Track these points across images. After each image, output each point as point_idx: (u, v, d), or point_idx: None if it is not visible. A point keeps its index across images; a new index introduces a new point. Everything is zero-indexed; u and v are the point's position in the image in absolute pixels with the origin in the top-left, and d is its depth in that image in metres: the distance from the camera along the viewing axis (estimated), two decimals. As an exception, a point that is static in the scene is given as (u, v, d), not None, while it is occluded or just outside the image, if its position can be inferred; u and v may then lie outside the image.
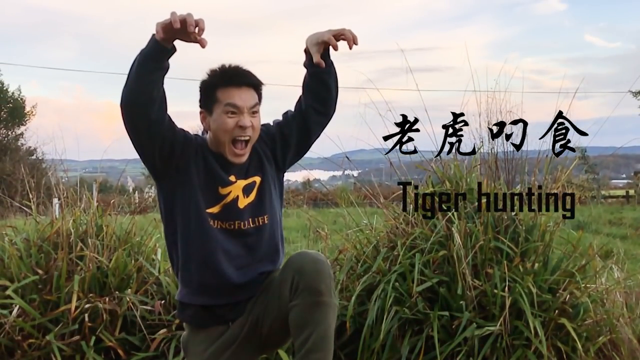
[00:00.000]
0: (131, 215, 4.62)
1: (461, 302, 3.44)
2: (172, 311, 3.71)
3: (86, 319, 3.55)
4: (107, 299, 3.66)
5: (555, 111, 3.95)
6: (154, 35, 1.94)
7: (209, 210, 2.15)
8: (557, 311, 3.58)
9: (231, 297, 2.22)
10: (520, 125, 3.93)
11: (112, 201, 4.33)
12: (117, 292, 3.76)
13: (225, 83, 2.14)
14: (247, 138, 2.15)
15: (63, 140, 4.51)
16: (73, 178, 4.82)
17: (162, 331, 3.61)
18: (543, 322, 3.51)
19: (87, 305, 3.60)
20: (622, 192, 18.42)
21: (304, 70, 2.33)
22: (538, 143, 4.06)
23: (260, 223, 2.23)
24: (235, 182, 2.22)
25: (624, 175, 25.40)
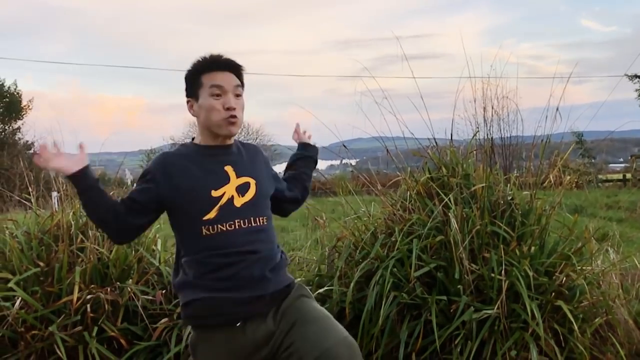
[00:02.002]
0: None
1: (459, 287, 3.48)
2: (173, 300, 3.75)
3: (88, 309, 3.58)
4: (108, 290, 3.70)
5: (551, 96, 3.98)
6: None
7: (205, 218, 2.15)
8: (553, 294, 3.61)
9: (234, 292, 2.15)
10: (517, 110, 3.96)
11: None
12: (118, 283, 3.79)
13: (209, 68, 2.22)
14: (235, 117, 2.22)
15: (61, 134, 4.52)
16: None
17: (163, 320, 3.65)
18: (540, 305, 3.54)
19: (88, 296, 3.63)
20: (619, 176, 18.45)
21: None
22: (534, 128, 4.10)
23: (260, 223, 2.24)
24: (229, 180, 2.23)
25: (621, 159, 25.46)
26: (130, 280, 3.82)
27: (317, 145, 2.80)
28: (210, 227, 2.15)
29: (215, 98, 2.19)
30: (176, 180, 2.18)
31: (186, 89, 2.29)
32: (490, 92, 4.53)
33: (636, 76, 19.96)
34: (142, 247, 4.06)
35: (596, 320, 3.80)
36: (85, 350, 3.56)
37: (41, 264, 3.81)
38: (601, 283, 3.96)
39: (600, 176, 18.50)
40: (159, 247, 4.15)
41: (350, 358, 2.07)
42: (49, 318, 3.65)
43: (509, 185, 4.00)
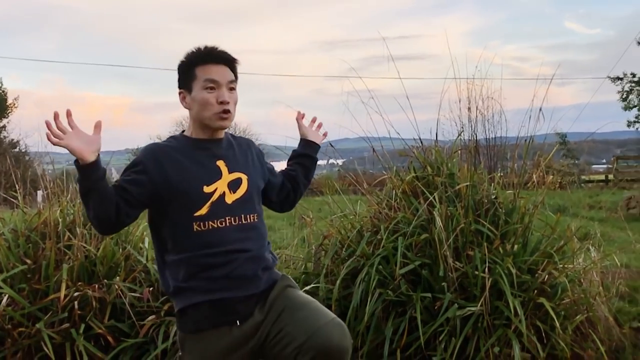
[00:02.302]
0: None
1: (443, 284, 3.53)
2: (160, 298, 3.77)
3: (75, 306, 3.59)
4: (96, 287, 3.71)
5: (534, 97, 4.06)
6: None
7: (197, 214, 2.12)
8: (536, 291, 3.68)
9: (230, 292, 2.15)
10: (502, 111, 4.03)
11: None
12: (105, 280, 3.80)
13: (203, 60, 2.18)
14: (228, 111, 2.19)
15: (40, 133, 4.51)
16: (57, 170, 4.83)
17: (150, 317, 3.66)
18: (522, 302, 3.61)
19: (76, 294, 3.64)
20: (601, 177, 18.69)
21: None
22: (518, 129, 4.17)
23: (251, 220, 2.22)
24: (221, 175, 2.20)
25: (604, 161, 25.76)
26: (118, 277, 3.83)
27: (318, 143, 2.71)
28: (202, 223, 2.12)
29: (209, 91, 2.16)
30: (168, 173, 2.13)
31: (179, 80, 2.25)
32: (475, 93, 4.60)
33: (618, 78, 20.21)
34: (129, 245, 4.07)
35: (577, 317, 3.87)
36: (73, 347, 3.57)
37: (28, 261, 3.81)
38: (582, 281, 4.03)
39: (583, 177, 18.71)
40: (146, 244, 4.17)
41: (340, 336, 2.10)
42: (36, 315, 3.65)
43: (492, 184, 4.07)
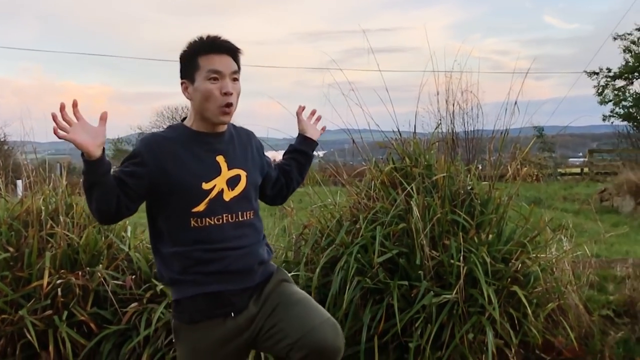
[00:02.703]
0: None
1: (419, 272, 3.63)
2: (143, 286, 3.83)
3: (59, 294, 3.63)
4: (79, 275, 3.75)
5: (512, 91, 4.16)
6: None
7: (194, 210, 2.10)
8: (509, 279, 3.78)
9: (224, 285, 2.15)
10: (480, 104, 4.12)
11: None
12: (88, 268, 3.85)
13: (206, 50, 2.13)
14: (231, 104, 2.15)
15: (26, 122, 4.52)
16: (35, 160, 4.84)
17: (133, 305, 3.71)
18: (496, 290, 3.71)
19: (59, 281, 3.69)
20: (577, 170, 19.00)
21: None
22: (496, 122, 4.27)
23: (247, 218, 2.19)
24: (220, 172, 2.17)
25: (580, 154, 26.10)
26: (100, 265, 3.88)
27: (315, 138, 2.66)
28: (199, 219, 2.10)
29: (212, 82, 2.11)
30: (166, 167, 2.10)
31: (181, 70, 2.19)
32: (453, 86, 4.68)
33: (594, 73, 20.48)
34: (112, 234, 4.12)
35: (549, 305, 4.00)
36: (55, 334, 3.62)
37: (11, 249, 3.84)
38: (554, 270, 4.16)
39: (559, 170, 19.02)
40: (128, 233, 4.21)
41: (334, 336, 2.12)
42: (18, 302, 3.69)
43: (469, 176, 4.16)
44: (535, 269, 3.92)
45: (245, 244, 2.17)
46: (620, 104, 20.37)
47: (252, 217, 2.22)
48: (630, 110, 20.31)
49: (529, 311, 3.73)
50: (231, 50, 2.18)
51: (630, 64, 20.17)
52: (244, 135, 2.33)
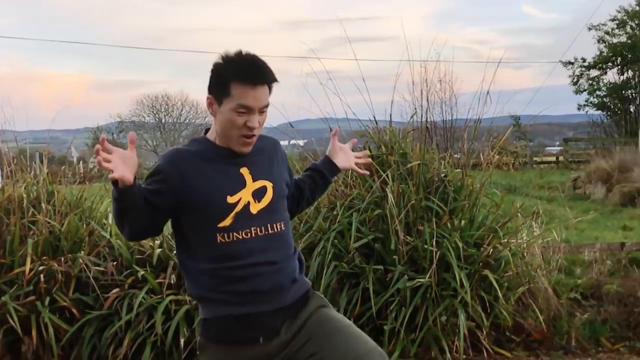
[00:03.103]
0: (79, 184, 4.73)
1: (394, 257, 3.74)
2: (124, 272, 3.90)
3: (41, 280, 3.69)
4: (61, 261, 3.81)
5: (487, 80, 4.27)
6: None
7: (220, 225, 1.98)
8: (481, 264, 3.92)
9: (255, 306, 2.01)
10: (457, 93, 4.22)
11: (62, 167, 4.43)
12: (70, 255, 3.90)
13: (242, 78, 1.97)
14: (254, 136, 2.04)
15: (5, 110, 4.53)
16: (14, 148, 4.86)
17: (114, 290, 3.78)
18: (468, 274, 3.85)
19: (41, 268, 3.74)
20: (553, 158, 19.32)
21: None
22: (473, 111, 4.38)
23: (277, 229, 2.07)
24: (245, 184, 2.05)
25: (557, 143, 26.48)
26: (82, 252, 3.93)
27: (341, 168, 2.48)
28: (226, 234, 1.98)
29: (239, 114, 1.97)
30: (190, 182, 2.00)
31: (211, 85, 2.04)
32: (432, 76, 4.78)
33: (570, 63, 20.78)
34: (93, 221, 4.17)
35: (519, 288, 4.14)
36: (38, 320, 3.67)
37: (-7, 236, 3.88)
38: (525, 254, 4.30)
39: (535, 158, 19.32)
40: (109, 220, 4.26)
41: None
42: (1, 289, 3.74)
43: (443, 163, 4.28)
44: (506, 253, 4.05)
45: (277, 259, 2.04)
46: (595, 94, 20.72)
47: (282, 228, 2.08)
48: (604, 99, 20.66)
49: (500, 294, 3.86)
50: (268, 81, 2.02)
51: (604, 54, 20.49)
52: (270, 146, 2.20)
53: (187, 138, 31.72)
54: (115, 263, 3.92)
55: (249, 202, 2.02)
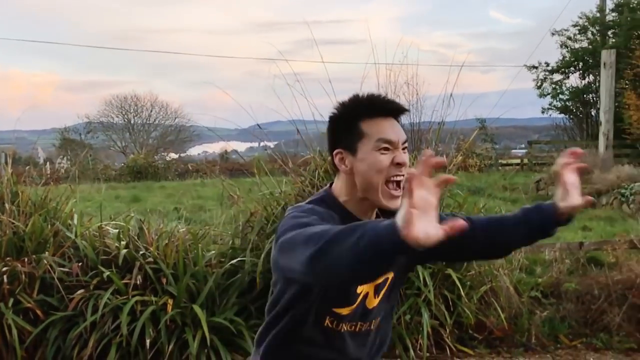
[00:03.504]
0: (45, 185, 4.68)
1: (360, 257, 3.79)
2: (89, 272, 3.87)
3: (5, 281, 3.65)
4: (25, 262, 3.77)
5: (451, 84, 4.38)
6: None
7: (337, 310, 1.67)
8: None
9: None
10: (423, 96, 4.31)
11: (27, 167, 4.38)
12: (34, 256, 3.87)
13: (371, 113, 1.67)
14: (403, 177, 1.64)
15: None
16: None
17: (79, 292, 3.76)
18: (432, 273, 3.93)
19: (4, 269, 3.70)
20: (518, 161, 19.68)
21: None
22: (440, 114, 4.48)
23: (375, 326, 1.78)
24: None
25: (522, 145, 26.98)
26: (47, 252, 3.90)
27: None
28: (336, 321, 1.69)
29: (382, 152, 1.63)
30: None
31: (334, 138, 1.70)
32: (399, 79, 4.87)
33: (534, 67, 21.18)
34: (58, 221, 4.14)
35: (482, 287, 4.25)
36: (1, 321, 3.63)
37: (-45, 237, 3.83)
38: (487, 254, 4.40)
39: (501, 160, 19.67)
40: (75, 221, 4.23)
41: None
42: (-37, 290, 3.69)
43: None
44: (469, 253, 4.14)
45: (369, 348, 1.77)
46: (558, 97, 21.17)
47: (380, 324, 1.77)
48: (567, 103, 21.12)
49: (463, 293, 3.96)
50: (399, 112, 1.71)
51: (567, 59, 20.94)
52: None
53: (156, 139, 31.47)
54: (80, 264, 3.90)
55: (367, 295, 1.70)
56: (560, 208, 1.63)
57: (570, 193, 1.62)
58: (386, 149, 1.63)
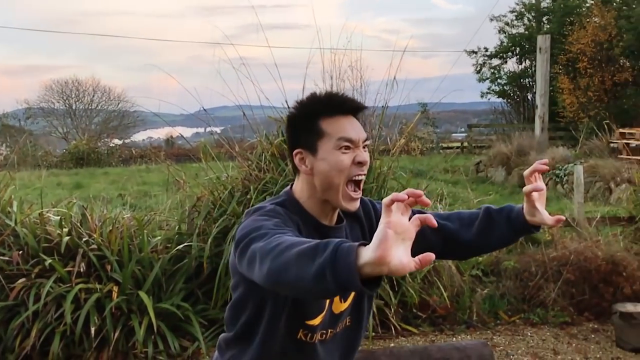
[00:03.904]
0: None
1: (307, 239, 3.84)
2: (30, 261, 3.78)
3: (-61, 272, 3.52)
4: (-39, 251, 3.65)
5: (394, 68, 4.44)
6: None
7: (309, 322, 1.62)
8: (389, 244, 4.09)
9: None
10: (368, 81, 4.36)
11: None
12: (-29, 245, 3.74)
13: (330, 112, 1.63)
14: (363, 176, 1.62)
15: None
16: None
17: (21, 280, 3.67)
18: (377, 254, 4.00)
19: (-61, 259, 3.57)
20: (458, 144, 20.17)
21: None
22: (384, 99, 4.54)
23: (348, 324, 1.72)
24: None
25: (462, 129, 27.61)
26: (-15, 241, 3.78)
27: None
28: (310, 334, 1.64)
29: (343, 152, 1.59)
30: None
31: (293, 137, 1.65)
32: (344, 63, 4.90)
33: (473, 52, 21.64)
34: (-4, 209, 4.01)
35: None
36: (-63, 313, 3.52)
37: None
38: (430, 234, 4.52)
39: (442, 144, 20.12)
40: (14, 208, 4.11)
41: None
42: None
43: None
44: (412, 233, 4.24)
45: (339, 353, 1.72)
46: (496, 82, 21.72)
47: (349, 323, 1.72)
48: (505, 87, 21.71)
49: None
50: (358, 110, 1.68)
51: (505, 44, 21.48)
52: (365, 215, 1.75)
53: (99, 125, 30.58)
54: (20, 252, 3.79)
55: (333, 300, 1.65)
56: (528, 221, 1.63)
57: (540, 210, 1.62)
58: (347, 147, 1.59)
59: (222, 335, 1.71)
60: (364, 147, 1.61)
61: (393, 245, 1.05)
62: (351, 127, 1.60)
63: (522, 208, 1.65)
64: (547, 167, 1.61)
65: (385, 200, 1.09)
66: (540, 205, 1.61)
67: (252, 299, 1.60)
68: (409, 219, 1.13)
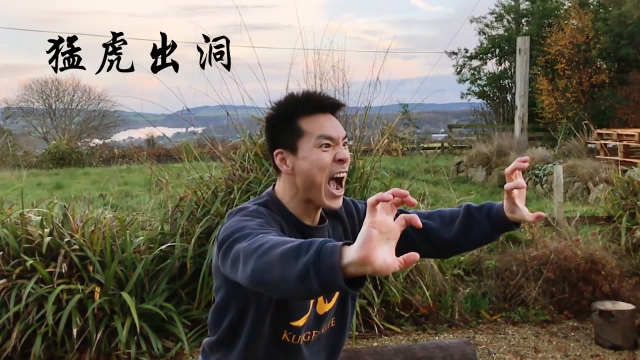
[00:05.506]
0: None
1: (291, 239, 3.85)
2: (11, 262, 3.74)
3: None
4: (-60, 252, 3.59)
5: (376, 69, 4.46)
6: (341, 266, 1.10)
7: (294, 324, 1.62)
8: (372, 243, 4.11)
9: None
10: (350, 81, 4.37)
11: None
12: (-50, 246, 3.69)
13: (309, 110, 1.63)
14: (345, 174, 1.63)
15: None
16: None
17: (1, 281, 3.63)
18: (360, 254, 4.01)
19: None
20: (438, 144, 20.31)
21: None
22: (366, 99, 4.56)
23: (333, 324, 1.72)
24: None
25: (442, 130, 27.79)
26: (-36, 242, 3.73)
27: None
28: (294, 335, 1.63)
29: (324, 149, 1.60)
30: None
31: (273, 137, 1.66)
32: (325, 64, 4.91)
33: (453, 53, 21.83)
34: (-25, 209, 3.96)
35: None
36: None
37: None
38: (411, 233, 4.55)
39: (422, 144, 20.25)
40: (-6, 209, 4.07)
41: None
42: None
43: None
44: (395, 233, 4.27)
45: (323, 354, 1.73)
46: (476, 83, 21.95)
47: (333, 325, 1.73)
48: (484, 88, 21.93)
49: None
50: (337, 108, 1.67)
51: (484, 45, 21.70)
52: (348, 216, 1.76)
53: (79, 125, 30.25)
54: (1, 253, 3.75)
55: (317, 300, 1.65)
56: (508, 217, 1.63)
57: (520, 207, 1.61)
58: (327, 145, 1.59)
59: (206, 339, 1.70)
60: (344, 145, 1.62)
61: (377, 245, 1.05)
62: (330, 125, 1.61)
63: (502, 205, 1.65)
64: (528, 165, 1.62)
65: (370, 200, 1.09)
66: (520, 202, 1.61)
67: (235, 301, 1.59)
68: (395, 218, 1.13)
